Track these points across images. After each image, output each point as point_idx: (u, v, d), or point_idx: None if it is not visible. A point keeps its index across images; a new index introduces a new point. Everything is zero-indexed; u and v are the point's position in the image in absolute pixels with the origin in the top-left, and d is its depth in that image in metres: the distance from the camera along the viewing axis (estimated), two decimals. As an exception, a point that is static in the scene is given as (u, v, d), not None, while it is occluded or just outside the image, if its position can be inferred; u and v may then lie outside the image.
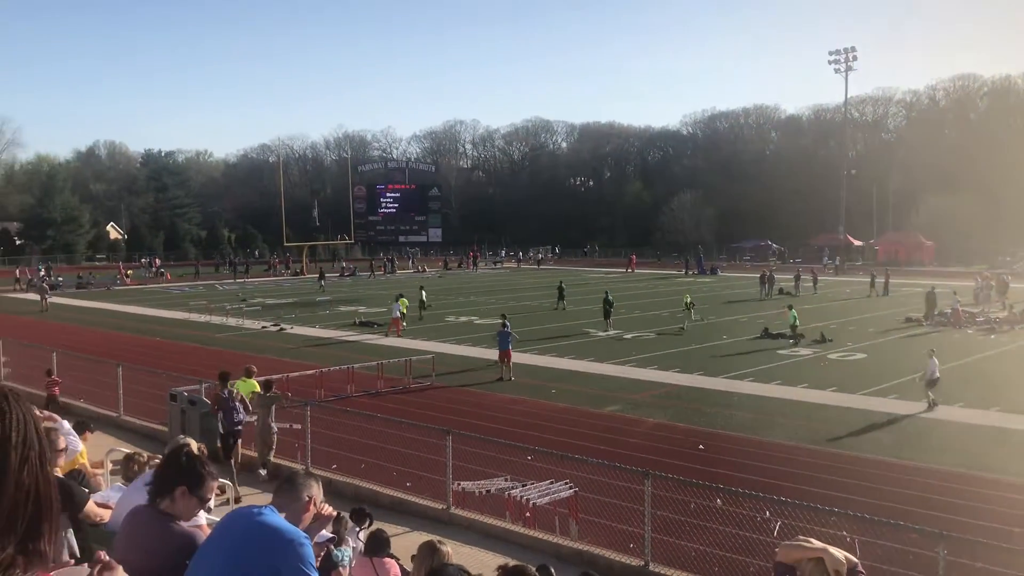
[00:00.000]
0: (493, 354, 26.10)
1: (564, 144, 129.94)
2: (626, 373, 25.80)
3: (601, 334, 33.51)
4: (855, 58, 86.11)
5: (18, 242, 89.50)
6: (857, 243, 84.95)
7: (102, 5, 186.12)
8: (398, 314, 34.20)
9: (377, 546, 7.74)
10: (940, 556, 9.15)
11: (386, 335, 33.37)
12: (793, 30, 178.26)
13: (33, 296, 48.08)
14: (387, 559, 7.76)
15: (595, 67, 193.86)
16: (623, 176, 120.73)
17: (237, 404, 15.38)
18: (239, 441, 15.35)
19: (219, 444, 15.03)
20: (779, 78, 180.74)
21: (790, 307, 32.24)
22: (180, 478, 3.78)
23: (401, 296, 36.64)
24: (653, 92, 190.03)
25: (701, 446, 17.40)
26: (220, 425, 15.30)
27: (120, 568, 1.75)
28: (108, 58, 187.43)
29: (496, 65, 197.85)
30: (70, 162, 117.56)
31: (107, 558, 1.81)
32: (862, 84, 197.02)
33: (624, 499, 12.67)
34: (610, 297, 35.68)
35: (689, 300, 37.63)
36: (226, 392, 15.43)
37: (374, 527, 9.13)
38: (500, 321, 27.52)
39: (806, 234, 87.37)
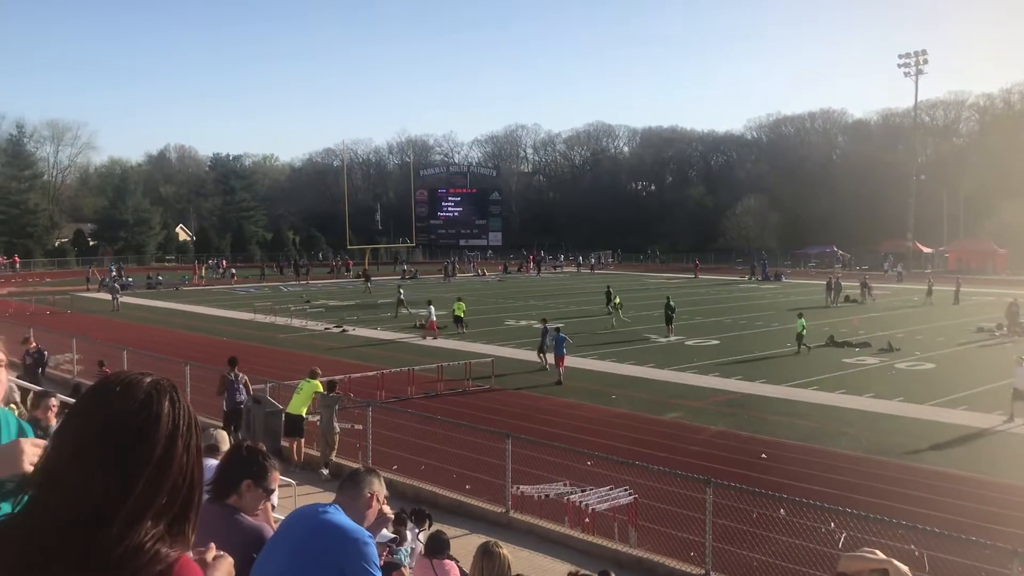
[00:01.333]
0: (549, 358, 26.08)
1: (626, 148, 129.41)
2: (687, 379, 25.53)
3: (662, 340, 33.22)
4: (926, 61, 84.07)
5: (91, 243, 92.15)
6: (926, 250, 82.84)
7: (173, 13, 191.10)
8: (433, 317, 34.33)
9: (438, 547, 7.77)
10: (1014, 575, 8.85)
11: (423, 338, 33.48)
12: (862, 33, 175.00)
13: (105, 296, 49.43)
14: (447, 561, 7.78)
15: (658, 71, 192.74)
16: (685, 181, 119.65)
17: (240, 386, 17.00)
18: (242, 420, 16.82)
19: (223, 422, 16.44)
20: (847, 82, 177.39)
21: (800, 315, 31.11)
22: (244, 472, 3.82)
23: (460, 299, 36.91)
24: (717, 96, 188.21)
25: (764, 455, 17.12)
26: (224, 404, 16.90)
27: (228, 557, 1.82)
28: (179, 64, 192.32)
29: (558, 69, 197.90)
30: (142, 165, 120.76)
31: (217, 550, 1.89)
32: (933, 88, 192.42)
33: (684, 507, 12.53)
34: (672, 303, 35.34)
35: (618, 300, 39.56)
36: (232, 375, 17.14)
37: (434, 528, 9.17)
38: (554, 326, 27.48)
39: (872, 241, 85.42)
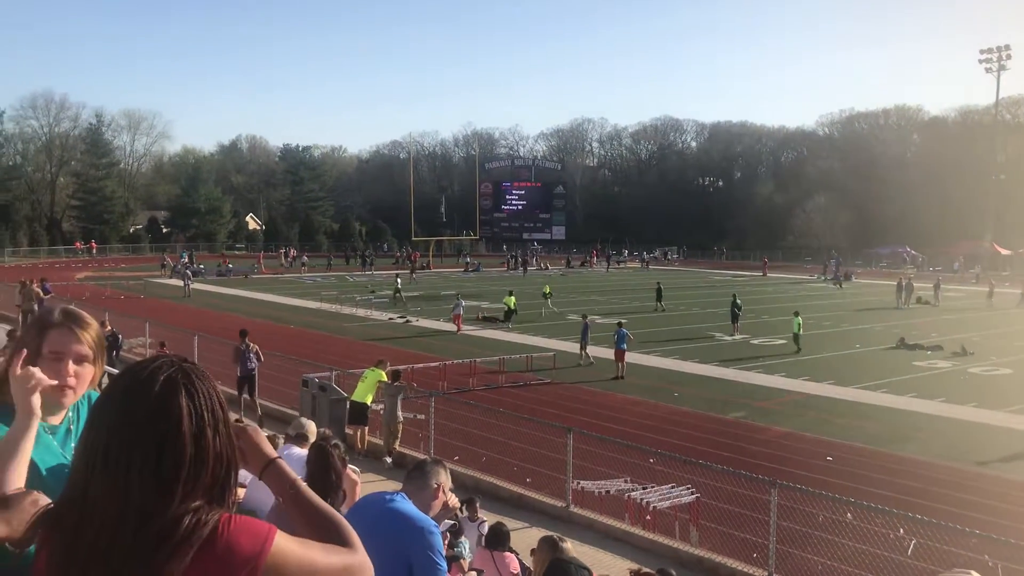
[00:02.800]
0: (610, 353, 25.97)
1: (693, 143, 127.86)
2: (752, 379, 25.17)
3: (727, 338, 32.79)
4: (1009, 56, 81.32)
5: (165, 230, 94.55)
6: (1005, 252, 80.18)
7: (246, 8, 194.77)
8: (460, 311, 34.00)
9: (498, 539, 7.79)
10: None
11: (457, 333, 33.23)
12: (940, 28, 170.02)
13: (177, 282, 50.69)
14: (507, 553, 7.80)
15: (728, 65, 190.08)
16: (754, 177, 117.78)
17: (251, 355, 18.97)
18: (256, 384, 18.82)
19: (236, 386, 18.45)
20: (923, 78, 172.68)
21: (796, 313, 30.69)
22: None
23: (511, 293, 36.93)
24: (789, 91, 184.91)
25: (830, 457, 16.79)
26: (237, 370, 18.66)
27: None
28: (251, 56, 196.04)
29: (625, 63, 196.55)
30: (214, 155, 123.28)
31: None
32: (1016, 84, 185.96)
33: (747, 508, 12.36)
34: (738, 301, 34.85)
35: (548, 290, 42.01)
36: (244, 345, 19.11)
37: (494, 520, 9.20)
38: (616, 321, 27.40)
39: (947, 241, 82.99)
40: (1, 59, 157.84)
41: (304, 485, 1.70)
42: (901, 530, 11.72)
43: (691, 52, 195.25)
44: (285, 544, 1.51)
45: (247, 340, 19.31)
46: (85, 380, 2.25)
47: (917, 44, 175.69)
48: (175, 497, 1.42)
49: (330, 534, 1.65)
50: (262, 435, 1.82)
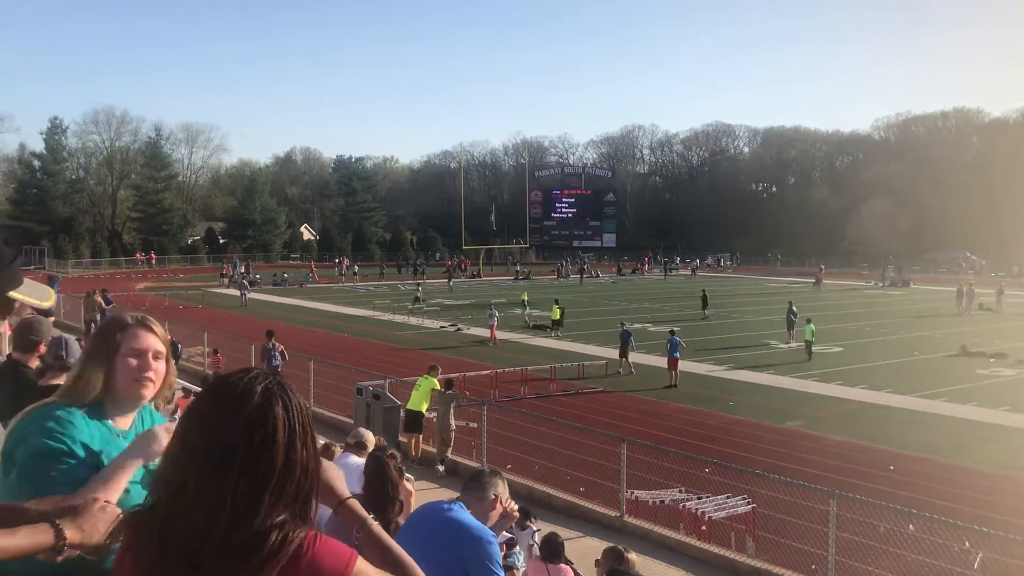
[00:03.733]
0: (661, 361, 25.77)
1: (746, 149, 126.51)
2: (808, 387, 24.78)
3: (783, 346, 32.32)
4: (1073, 55, 78.94)
5: (222, 240, 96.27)
6: (1071, 257, 77.82)
7: (297, 23, 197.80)
8: (495, 321, 33.48)
9: (552, 551, 7.73)
10: None
11: (494, 344, 32.60)
12: (1000, 27, 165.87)
13: (234, 292, 51.55)
14: (562, 565, 7.73)
15: (780, 69, 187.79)
16: (808, 182, 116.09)
17: (276, 353, 21.03)
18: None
19: None
20: (983, 79, 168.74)
21: (808, 320, 29.80)
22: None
23: (557, 302, 36.69)
24: (843, 94, 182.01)
25: (891, 467, 16.43)
26: (264, 367, 20.14)
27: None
28: (305, 70, 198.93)
29: (676, 69, 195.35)
30: (269, 167, 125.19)
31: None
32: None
33: (805, 518, 12.15)
34: (794, 308, 34.30)
35: (526, 296, 42.69)
36: (270, 344, 21.34)
37: (548, 530, 9.15)
38: (668, 328, 27.17)
39: (1008, 246, 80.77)
40: (65, 77, 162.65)
41: (375, 524, 1.73)
42: (967, 543, 11.40)
43: (742, 57, 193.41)
44: (365, 569, 1.54)
45: (273, 340, 21.61)
46: (161, 375, 2.36)
47: (976, 43, 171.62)
48: (262, 507, 1.45)
49: (399, 569, 1.69)
50: (338, 473, 1.85)
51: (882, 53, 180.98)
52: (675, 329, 27.07)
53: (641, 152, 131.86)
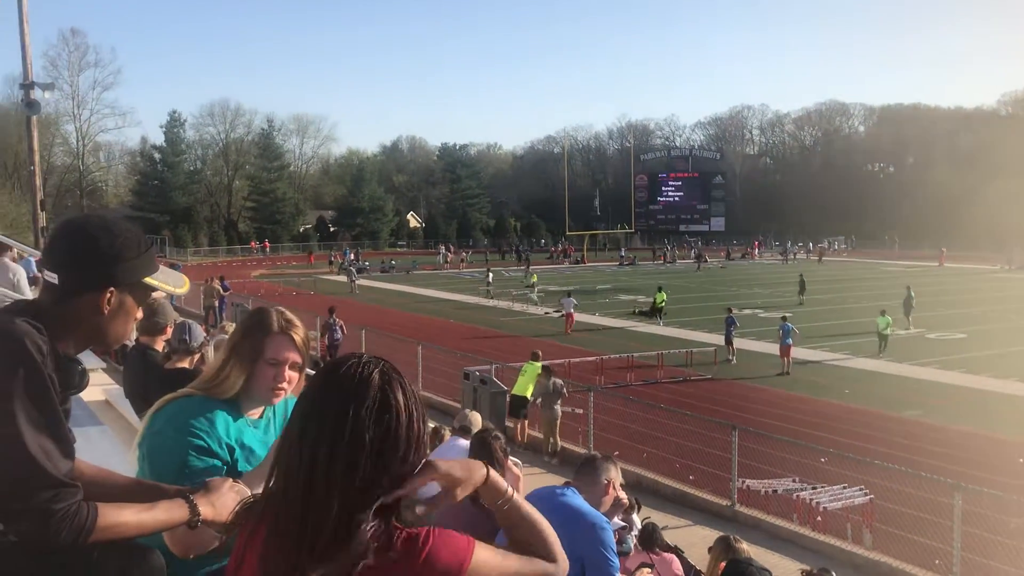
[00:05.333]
0: (771, 348, 25.12)
1: (861, 128, 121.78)
2: (928, 375, 23.79)
3: (901, 332, 31.03)
4: None
5: (332, 229, 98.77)
6: None
7: (403, 14, 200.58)
8: (571, 309, 32.50)
9: (651, 539, 7.59)
10: None
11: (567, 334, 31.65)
12: None
13: (344, 278, 52.83)
14: (666, 554, 7.60)
15: (896, 44, 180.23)
16: (928, 161, 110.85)
17: (337, 328, 23.08)
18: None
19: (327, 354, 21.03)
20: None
21: (883, 312, 27.16)
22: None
23: (660, 289, 35.91)
24: (965, 68, 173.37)
25: (1021, 460, 15.60)
26: (325, 340, 22.61)
27: None
28: (410, 59, 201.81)
29: (786, 46, 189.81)
30: (376, 156, 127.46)
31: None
32: None
33: (926, 511, 11.66)
34: (911, 293, 32.87)
35: (535, 279, 43.89)
36: (331, 320, 23.24)
37: (657, 519, 9.04)
38: (780, 315, 26.46)
39: None
40: (184, 72, 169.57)
41: (518, 496, 1.70)
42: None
43: (856, 32, 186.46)
44: (484, 556, 1.53)
45: (334, 316, 23.75)
46: (294, 383, 2.43)
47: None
48: (382, 490, 1.46)
49: (539, 545, 1.65)
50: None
51: (1008, 20, 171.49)
52: (787, 315, 26.36)
53: (751, 132, 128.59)
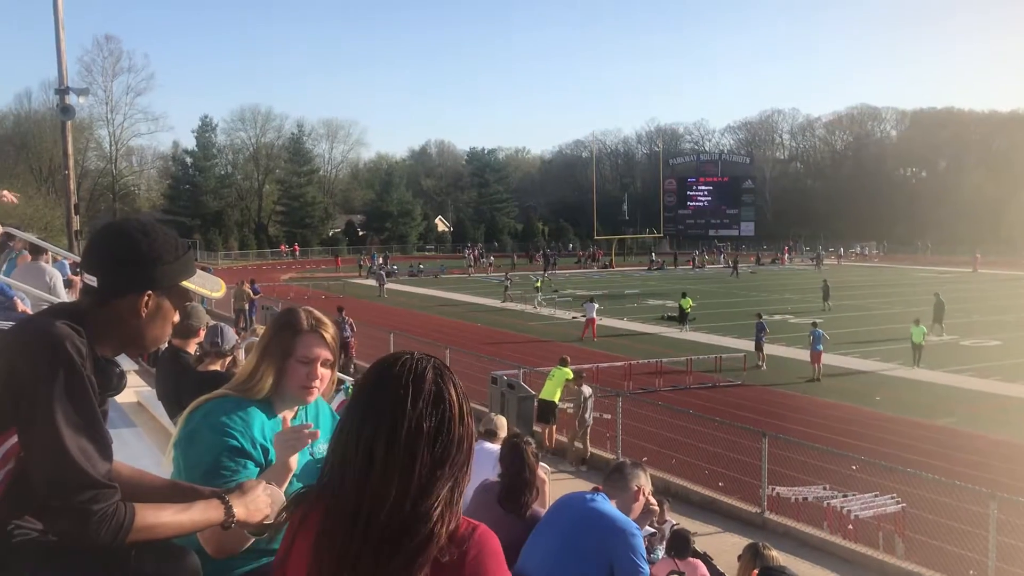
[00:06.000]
0: (801, 354, 24.87)
1: (893, 132, 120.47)
2: (961, 382, 23.47)
3: (934, 339, 30.60)
4: None
5: (361, 233, 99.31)
6: None
7: (430, 22, 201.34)
8: (594, 314, 31.99)
9: (681, 545, 7.55)
10: None
11: (580, 338, 31.30)
12: None
13: (373, 282, 53.08)
14: (693, 559, 7.55)
15: (929, 47, 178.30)
16: (962, 166, 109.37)
17: (347, 325, 23.42)
18: (351, 349, 22.98)
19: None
20: None
21: (916, 321, 26.09)
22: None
23: (685, 295, 35.50)
24: (999, 72, 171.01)
25: (1057, 470, 15.35)
26: None
27: None
28: (439, 66, 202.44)
29: (816, 51, 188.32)
30: (405, 160, 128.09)
31: None
32: None
33: (960, 520, 11.51)
34: (941, 299, 32.35)
35: (539, 283, 44.21)
36: (340, 318, 23.44)
37: (686, 525, 8.98)
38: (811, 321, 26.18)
39: None
40: (216, 78, 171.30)
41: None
42: None
43: (887, 36, 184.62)
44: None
45: (343, 314, 24.66)
46: (326, 380, 2.47)
47: None
48: (437, 483, 1.50)
49: None
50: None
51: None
52: (817, 321, 26.11)
53: (781, 137, 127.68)
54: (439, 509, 1.49)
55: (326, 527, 1.52)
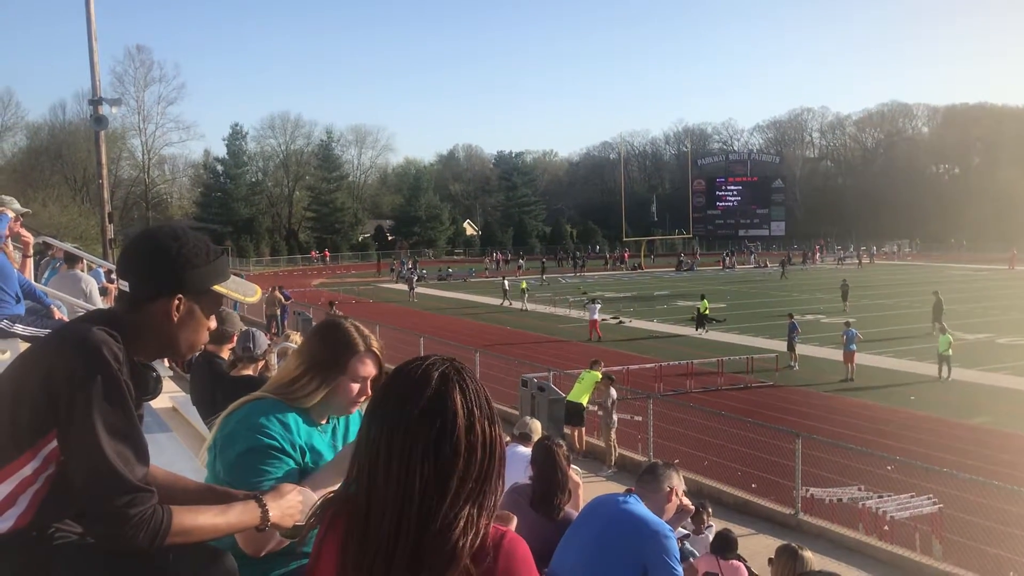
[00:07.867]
0: (834, 354, 24.62)
1: (925, 129, 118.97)
2: (997, 381, 23.13)
3: (968, 337, 30.18)
4: None
5: (390, 237, 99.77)
6: None
7: (455, 25, 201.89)
8: (596, 315, 32.17)
9: (726, 546, 7.53)
10: None
11: (589, 340, 31.34)
12: None
13: (402, 287, 53.28)
14: (734, 561, 7.52)
15: (961, 42, 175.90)
16: (996, 162, 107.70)
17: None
18: None
19: None
20: None
21: (943, 330, 24.99)
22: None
23: (703, 297, 35.28)
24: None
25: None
26: None
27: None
28: (466, 70, 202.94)
29: (847, 47, 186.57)
30: (433, 165, 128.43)
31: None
32: None
33: (999, 521, 11.34)
34: (941, 298, 31.59)
35: (524, 285, 43.84)
36: (332, 312, 23.30)
37: (721, 526, 8.94)
38: (844, 320, 25.88)
39: None
40: (245, 86, 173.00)
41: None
42: None
43: (919, 32, 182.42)
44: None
45: (335, 308, 25.80)
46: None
47: None
48: (450, 492, 1.47)
49: None
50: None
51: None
52: (850, 320, 25.84)
53: (811, 135, 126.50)
54: (461, 524, 1.46)
55: (350, 529, 1.52)
